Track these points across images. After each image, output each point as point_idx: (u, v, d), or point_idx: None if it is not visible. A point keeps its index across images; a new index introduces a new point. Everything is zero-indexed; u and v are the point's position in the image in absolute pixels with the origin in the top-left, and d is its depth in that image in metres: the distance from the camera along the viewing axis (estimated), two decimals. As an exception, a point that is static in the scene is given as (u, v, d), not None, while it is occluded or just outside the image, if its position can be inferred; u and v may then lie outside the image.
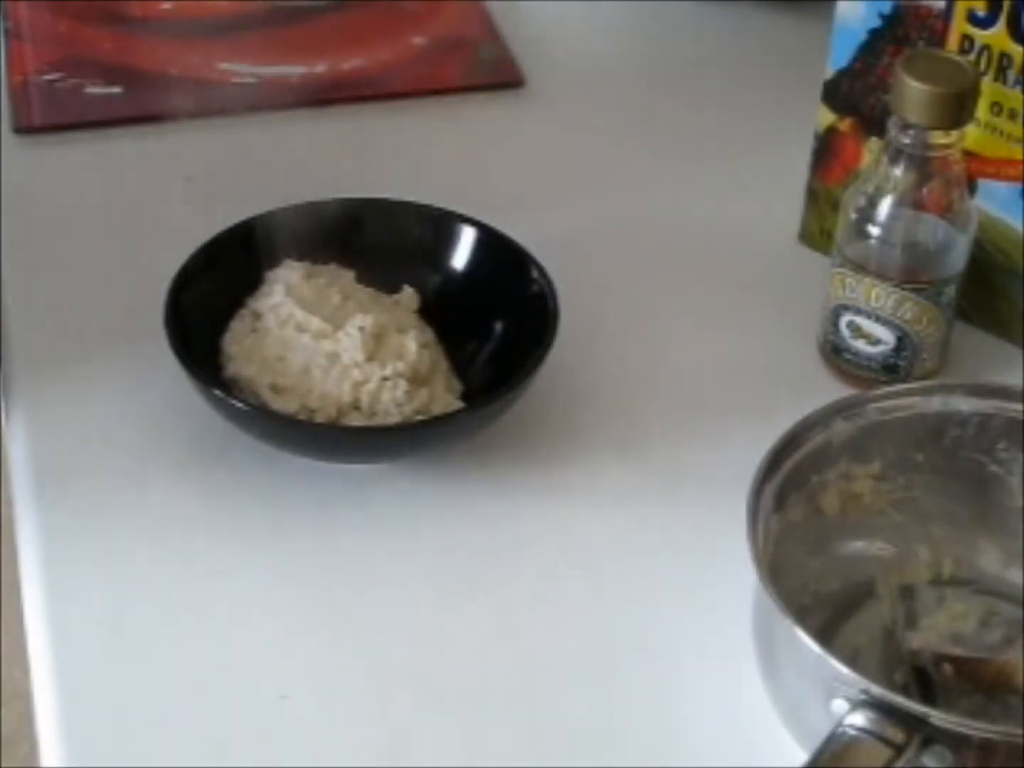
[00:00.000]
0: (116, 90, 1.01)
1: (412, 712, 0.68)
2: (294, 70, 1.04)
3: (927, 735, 0.59)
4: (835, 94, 0.86)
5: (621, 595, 0.73)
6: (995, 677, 0.68)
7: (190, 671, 0.69)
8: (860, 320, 0.81)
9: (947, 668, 0.68)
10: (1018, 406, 0.71)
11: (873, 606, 0.71)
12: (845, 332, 0.82)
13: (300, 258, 0.82)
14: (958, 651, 0.69)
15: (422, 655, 0.70)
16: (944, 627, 0.70)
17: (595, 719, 0.68)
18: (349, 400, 0.75)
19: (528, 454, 0.79)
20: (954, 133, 0.76)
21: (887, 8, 0.82)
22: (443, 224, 0.84)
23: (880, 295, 0.80)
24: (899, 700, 0.59)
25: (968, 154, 0.79)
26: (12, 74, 1.02)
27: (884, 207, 0.78)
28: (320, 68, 1.04)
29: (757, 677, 0.67)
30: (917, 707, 0.59)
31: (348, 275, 0.82)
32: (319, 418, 0.75)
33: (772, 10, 1.09)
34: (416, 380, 0.77)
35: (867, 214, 0.79)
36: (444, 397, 0.77)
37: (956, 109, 0.75)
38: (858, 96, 0.85)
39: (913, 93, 0.75)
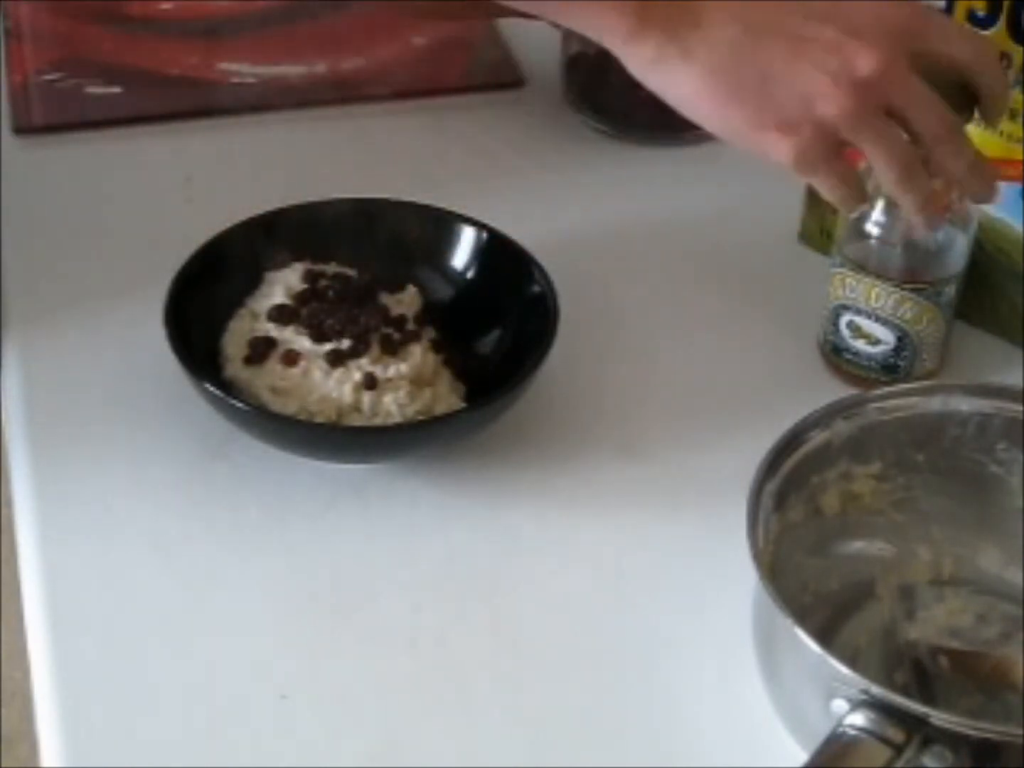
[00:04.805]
0: (116, 90, 1.01)
1: (412, 712, 0.68)
2: (294, 70, 1.04)
3: (927, 735, 0.59)
4: (835, 94, 0.86)
5: (621, 595, 0.73)
6: (991, 671, 0.68)
7: (190, 671, 0.69)
8: (860, 320, 0.81)
9: (943, 660, 0.68)
10: (1018, 406, 0.71)
11: (873, 606, 0.71)
12: (845, 332, 0.82)
13: (300, 258, 0.82)
14: (955, 644, 0.69)
15: (421, 655, 0.70)
16: (942, 621, 0.71)
17: (595, 719, 0.68)
18: (350, 402, 0.75)
19: (528, 454, 0.79)
20: (954, 133, 0.76)
21: (887, 8, 0.82)
22: (444, 224, 0.84)
23: (880, 295, 0.80)
24: (899, 700, 0.59)
25: (968, 154, 0.79)
26: (12, 74, 1.02)
27: (884, 207, 0.78)
28: (320, 68, 1.04)
29: (757, 677, 0.67)
30: (917, 707, 0.59)
31: (348, 275, 0.82)
32: (319, 420, 0.75)
33: (772, 10, 1.09)
34: (419, 381, 0.77)
35: (867, 214, 0.79)
36: (448, 398, 0.77)
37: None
38: (858, 96, 0.85)
39: (913, 93, 0.75)
